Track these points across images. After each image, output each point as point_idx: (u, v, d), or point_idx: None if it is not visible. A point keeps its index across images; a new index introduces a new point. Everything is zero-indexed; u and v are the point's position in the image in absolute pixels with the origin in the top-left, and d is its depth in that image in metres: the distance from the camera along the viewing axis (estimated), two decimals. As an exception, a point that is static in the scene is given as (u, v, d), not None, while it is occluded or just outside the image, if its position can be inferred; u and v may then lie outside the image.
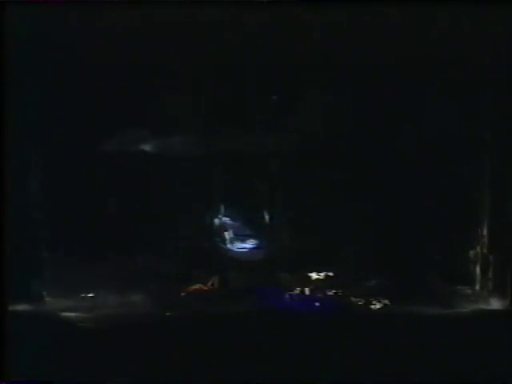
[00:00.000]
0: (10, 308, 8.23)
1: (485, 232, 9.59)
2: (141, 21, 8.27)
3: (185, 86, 9.48)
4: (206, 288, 9.88)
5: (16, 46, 8.08)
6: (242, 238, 10.33)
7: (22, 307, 8.55)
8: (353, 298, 9.43)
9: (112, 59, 8.98)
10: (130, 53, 8.79)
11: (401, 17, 8.25)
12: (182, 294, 9.68)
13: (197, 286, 9.85)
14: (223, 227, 10.30)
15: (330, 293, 9.62)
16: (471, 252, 9.74)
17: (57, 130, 9.39)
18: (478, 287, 9.67)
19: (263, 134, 9.77)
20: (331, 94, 9.73)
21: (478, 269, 9.69)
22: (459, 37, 8.46)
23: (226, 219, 10.27)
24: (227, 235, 10.30)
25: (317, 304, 9.35)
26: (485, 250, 9.61)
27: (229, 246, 10.33)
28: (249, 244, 10.36)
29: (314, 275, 10.02)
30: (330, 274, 10.03)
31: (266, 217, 10.22)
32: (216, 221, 10.32)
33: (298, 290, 9.67)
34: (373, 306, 9.26)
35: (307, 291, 9.67)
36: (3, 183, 8.12)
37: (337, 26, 8.40)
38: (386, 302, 9.30)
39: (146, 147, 10.04)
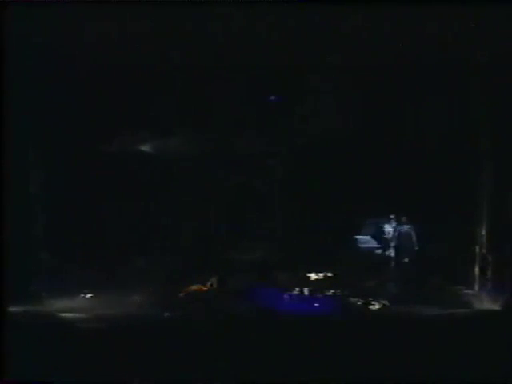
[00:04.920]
0: (10, 309, 8.21)
1: (484, 232, 9.62)
2: (141, 21, 8.27)
3: (184, 86, 9.51)
4: (205, 288, 9.90)
5: (16, 46, 8.07)
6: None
7: (21, 308, 8.53)
8: (352, 298, 9.44)
9: (111, 59, 8.98)
10: (130, 53, 8.80)
11: (400, 18, 8.26)
12: (181, 294, 9.71)
13: (196, 287, 9.87)
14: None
15: (329, 293, 9.64)
16: (471, 252, 9.79)
17: (57, 130, 9.40)
18: (477, 287, 9.70)
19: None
20: (332, 95, 9.78)
21: (476, 269, 9.72)
22: (460, 38, 8.48)
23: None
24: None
25: (316, 304, 9.36)
26: (484, 250, 9.65)
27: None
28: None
29: (313, 275, 10.06)
30: (329, 274, 10.06)
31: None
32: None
33: (297, 291, 9.71)
34: (371, 307, 9.26)
35: (306, 291, 9.69)
36: (3, 184, 8.10)
37: (336, 27, 8.41)
38: (385, 302, 9.30)
39: (146, 148, 10.06)
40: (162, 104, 9.71)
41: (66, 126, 9.48)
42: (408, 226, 10.26)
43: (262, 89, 9.59)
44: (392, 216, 10.40)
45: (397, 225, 10.35)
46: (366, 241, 10.61)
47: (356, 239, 10.59)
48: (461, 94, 9.46)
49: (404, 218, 10.26)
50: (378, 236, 10.58)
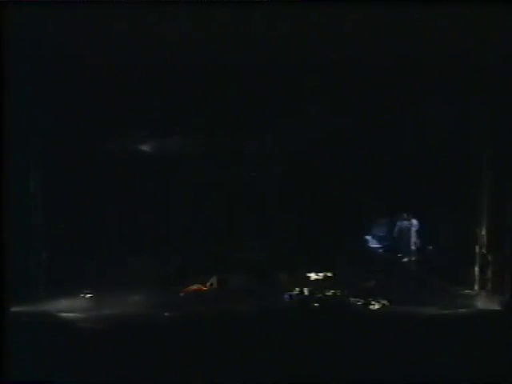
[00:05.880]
0: (10, 309, 8.22)
1: (484, 232, 9.63)
2: (141, 21, 8.27)
3: (185, 86, 9.51)
4: (204, 288, 9.90)
5: (16, 46, 8.07)
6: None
7: (21, 308, 8.54)
8: (351, 299, 9.45)
9: (111, 59, 8.99)
10: (129, 53, 8.80)
11: (401, 18, 8.27)
12: (181, 294, 9.71)
13: (196, 287, 9.87)
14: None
15: (329, 293, 9.65)
16: (471, 252, 9.79)
17: (56, 130, 9.41)
18: (476, 287, 9.71)
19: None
20: (334, 94, 9.79)
21: (477, 269, 9.73)
22: (460, 39, 8.49)
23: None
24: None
25: (316, 304, 9.37)
26: (484, 250, 9.65)
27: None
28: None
29: (313, 275, 10.07)
30: (329, 274, 10.08)
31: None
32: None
33: (297, 291, 9.72)
34: (371, 307, 9.27)
35: (306, 291, 9.70)
36: (3, 184, 8.10)
37: (337, 27, 8.41)
38: (385, 302, 9.31)
39: (146, 147, 10.08)
40: (162, 104, 9.72)
41: (65, 125, 9.48)
42: (407, 226, 10.27)
43: (262, 88, 9.58)
44: (392, 216, 10.42)
45: (396, 225, 10.36)
46: (367, 241, 10.62)
47: (356, 239, 10.61)
48: (462, 95, 9.47)
49: (403, 218, 10.27)
50: (378, 236, 10.60)
